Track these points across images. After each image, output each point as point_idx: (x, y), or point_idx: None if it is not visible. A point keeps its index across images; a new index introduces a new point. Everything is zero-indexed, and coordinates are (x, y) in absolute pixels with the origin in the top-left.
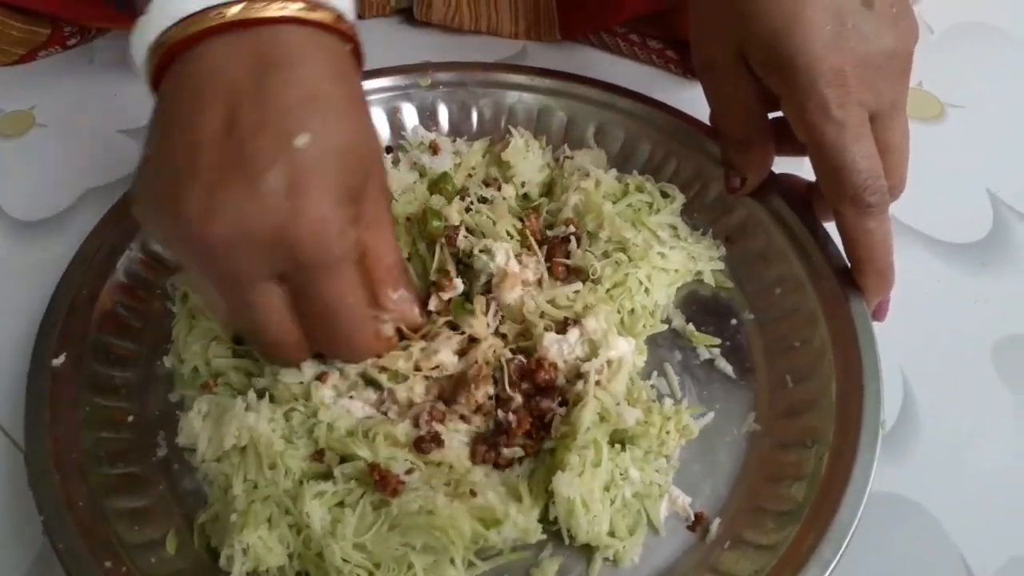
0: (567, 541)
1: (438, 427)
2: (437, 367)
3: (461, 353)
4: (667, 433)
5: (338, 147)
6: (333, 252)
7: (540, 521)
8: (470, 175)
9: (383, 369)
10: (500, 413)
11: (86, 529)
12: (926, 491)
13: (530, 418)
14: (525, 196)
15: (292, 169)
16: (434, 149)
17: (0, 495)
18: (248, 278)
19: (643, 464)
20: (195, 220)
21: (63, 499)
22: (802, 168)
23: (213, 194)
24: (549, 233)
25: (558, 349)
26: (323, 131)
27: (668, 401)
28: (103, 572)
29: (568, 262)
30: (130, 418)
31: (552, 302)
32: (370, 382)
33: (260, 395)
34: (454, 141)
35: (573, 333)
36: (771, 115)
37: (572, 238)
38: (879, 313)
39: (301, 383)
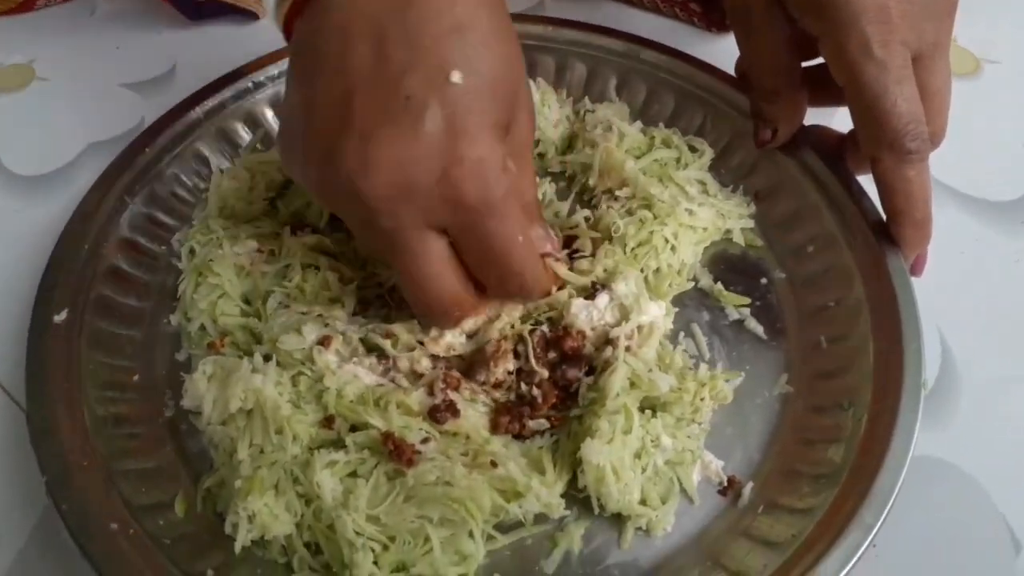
0: (596, 511)
1: (453, 395)
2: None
3: (471, 335)
4: (701, 400)
5: (490, 79)
6: (497, 191)
7: (568, 489)
8: None
9: (388, 335)
10: (523, 386)
11: (91, 490)
12: (967, 455)
13: (556, 390)
14: (540, 156)
15: (448, 109)
16: None
17: (2, 456)
18: (412, 229)
19: (675, 431)
20: (354, 174)
21: (67, 459)
22: (833, 122)
23: (369, 144)
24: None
25: (587, 316)
26: (475, 63)
27: (703, 367)
28: (109, 534)
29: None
30: (135, 377)
31: (575, 269)
32: (372, 348)
33: (267, 358)
34: None
35: (602, 298)
36: (804, 64)
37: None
38: (916, 268)
39: (303, 349)
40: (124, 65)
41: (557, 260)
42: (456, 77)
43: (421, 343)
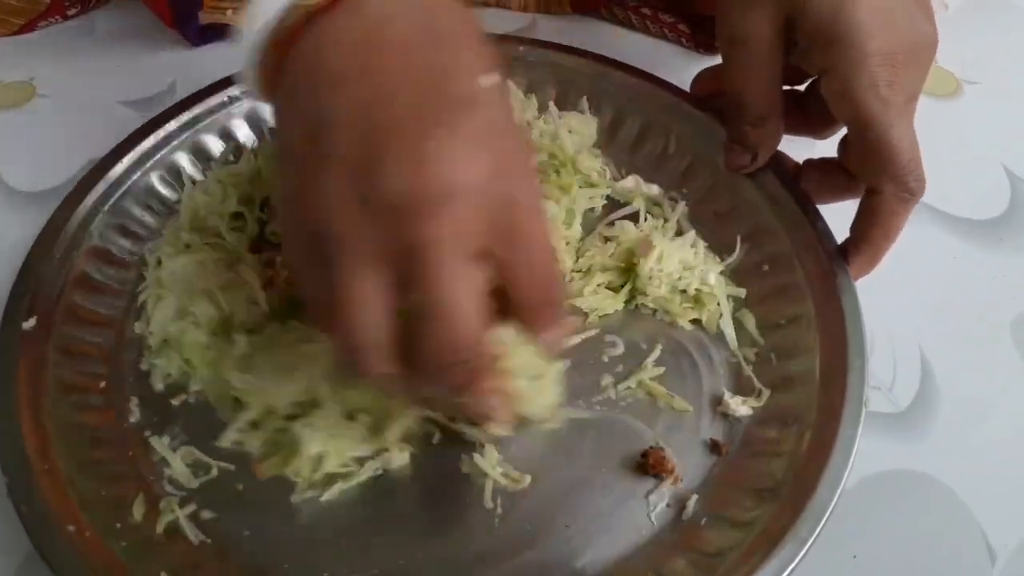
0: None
1: None
2: None
3: None
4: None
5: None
6: (540, 194)
7: None
8: None
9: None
10: None
11: (51, 492)
12: (946, 468)
13: None
14: None
15: (486, 110)
16: None
17: None
18: (455, 246)
19: None
20: (405, 174)
21: (28, 462)
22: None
23: (421, 143)
24: None
25: None
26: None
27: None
28: (66, 535)
29: None
30: (102, 383)
31: None
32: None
33: None
34: None
35: None
36: None
37: None
38: None
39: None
40: (123, 83)
41: None
42: (488, 81)
43: None
